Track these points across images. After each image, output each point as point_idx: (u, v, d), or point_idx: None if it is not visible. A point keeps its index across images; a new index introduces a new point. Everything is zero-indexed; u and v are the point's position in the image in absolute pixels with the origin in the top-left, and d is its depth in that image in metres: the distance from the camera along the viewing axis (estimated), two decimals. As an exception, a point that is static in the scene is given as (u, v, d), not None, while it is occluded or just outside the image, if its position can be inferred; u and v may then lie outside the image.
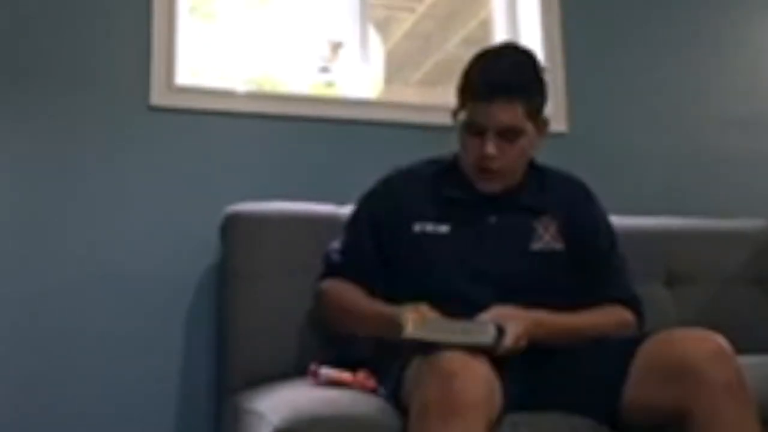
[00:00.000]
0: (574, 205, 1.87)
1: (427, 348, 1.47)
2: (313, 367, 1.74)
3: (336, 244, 1.93)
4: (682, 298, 2.37)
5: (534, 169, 1.88)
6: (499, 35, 2.82)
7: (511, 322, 1.58)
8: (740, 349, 1.51)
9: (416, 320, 1.52)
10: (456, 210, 1.81)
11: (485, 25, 2.93)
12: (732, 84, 2.92)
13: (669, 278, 2.40)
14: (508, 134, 1.73)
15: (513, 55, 1.79)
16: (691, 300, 2.36)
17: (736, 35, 2.96)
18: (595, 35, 2.77)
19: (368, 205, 1.92)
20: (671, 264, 2.41)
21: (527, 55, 1.79)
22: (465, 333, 1.48)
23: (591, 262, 1.84)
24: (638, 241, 2.30)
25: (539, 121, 1.79)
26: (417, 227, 1.81)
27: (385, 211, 1.86)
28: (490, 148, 1.73)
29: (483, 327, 1.50)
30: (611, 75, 2.77)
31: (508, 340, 1.55)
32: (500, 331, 1.49)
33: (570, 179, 1.92)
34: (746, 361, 1.50)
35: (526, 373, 1.65)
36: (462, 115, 1.78)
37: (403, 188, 1.88)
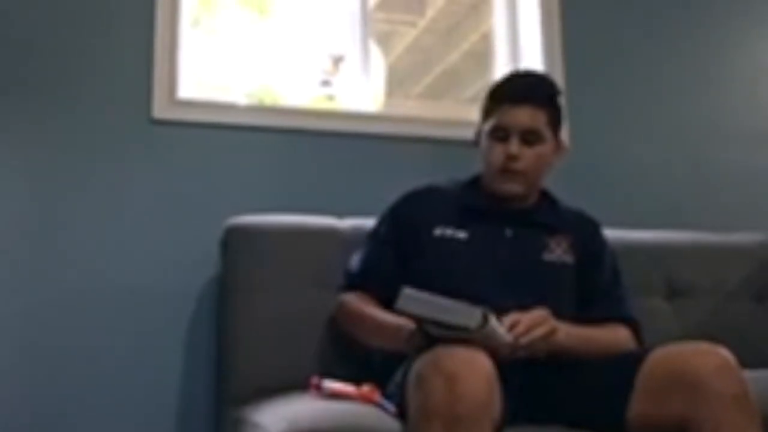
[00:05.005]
0: (584, 231, 1.96)
1: (430, 345, 1.48)
2: (315, 380, 1.73)
3: (356, 257, 1.96)
4: (682, 312, 2.36)
5: (547, 197, 1.98)
6: (500, 49, 2.83)
7: (543, 323, 1.63)
8: (741, 363, 1.51)
9: (408, 294, 1.53)
10: (474, 220, 1.88)
11: (486, 39, 2.93)
12: (732, 98, 2.92)
13: (669, 292, 2.39)
14: (530, 137, 1.86)
15: (538, 75, 2.03)
16: (691, 314, 2.36)
17: (735, 50, 2.97)
18: (596, 49, 2.77)
19: (390, 217, 1.97)
20: (671, 278, 2.41)
21: (550, 79, 1.98)
22: (451, 313, 1.49)
23: (596, 282, 1.91)
24: (638, 255, 2.31)
25: (557, 136, 1.92)
26: (437, 231, 1.87)
27: (407, 220, 1.92)
28: (514, 148, 1.85)
29: (470, 311, 1.49)
30: (611, 89, 2.78)
31: (522, 328, 1.59)
32: (485, 320, 1.49)
33: (581, 213, 2.02)
34: (747, 375, 1.50)
35: (527, 386, 1.65)
36: (487, 125, 1.90)
37: (426, 199, 1.96)
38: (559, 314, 1.71)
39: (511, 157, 1.85)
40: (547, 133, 1.88)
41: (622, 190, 2.68)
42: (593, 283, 1.90)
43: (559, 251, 1.89)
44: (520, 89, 1.89)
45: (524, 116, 1.85)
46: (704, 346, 1.54)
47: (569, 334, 1.70)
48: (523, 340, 1.59)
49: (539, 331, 1.61)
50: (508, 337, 1.57)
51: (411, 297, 1.52)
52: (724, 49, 2.95)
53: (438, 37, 3.25)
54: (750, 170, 2.86)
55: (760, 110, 2.95)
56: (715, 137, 2.86)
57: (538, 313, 1.64)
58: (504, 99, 1.88)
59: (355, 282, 1.93)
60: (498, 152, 1.87)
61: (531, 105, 1.86)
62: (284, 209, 2.20)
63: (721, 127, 2.87)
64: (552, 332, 1.63)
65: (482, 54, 2.93)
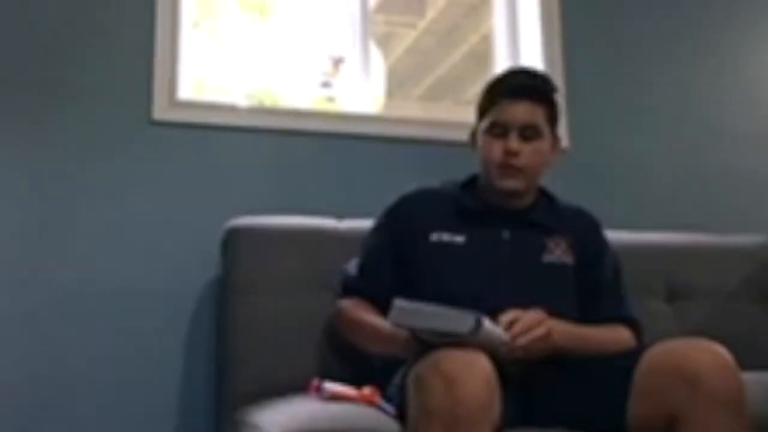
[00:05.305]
0: (583, 231, 1.94)
1: (429, 348, 1.48)
2: (315, 381, 1.72)
3: (353, 263, 1.95)
4: (682, 314, 2.36)
5: (545, 195, 1.96)
6: (501, 50, 2.83)
7: (536, 324, 1.62)
8: (741, 365, 1.50)
9: (400, 307, 1.53)
10: (472, 223, 1.86)
11: (486, 41, 2.94)
12: (733, 100, 2.92)
13: (669, 294, 2.39)
14: (529, 132, 1.84)
15: (534, 71, 1.97)
16: (691, 316, 2.35)
17: (736, 52, 2.97)
18: (596, 50, 2.78)
19: (386, 221, 1.95)
20: (672, 280, 2.40)
21: (546, 76, 1.96)
22: (444, 320, 1.49)
23: (597, 282, 1.90)
24: (639, 256, 2.30)
25: (554, 133, 1.90)
26: (434, 237, 1.85)
27: (403, 224, 1.90)
28: (514, 144, 1.82)
29: (462, 316, 1.49)
30: (612, 90, 2.78)
31: (519, 328, 1.59)
32: (478, 324, 1.48)
33: (581, 210, 1.99)
34: (747, 376, 1.50)
35: (525, 388, 1.65)
36: (484, 123, 1.87)
37: (422, 202, 1.93)
38: (559, 316, 1.71)
39: (511, 153, 1.82)
40: (545, 129, 1.86)
41: (622, 191, 2.68)
42: (593, 284, 1.89)
43: (558, 252, 1.87)
44: (517, 85, 1.86)
45: (522, 111, 1.83)
46: (705, 343, 1.53)
47: (567, 333, 1.70)
48: (521, 341, 1.59)
49: (537, 332, 1.61)
50: (504, 336, 1.57)
51: (403, 309, 1.52)
52: (726, 50, 2.95)
53: (438, 39, 3.25)
54: (750, 171, 2.85)
55: (760, 111, 2.94)
56: (716, 138, 2.86)
57: (535, 314, 1.64)
58: (501, 95, 1.86)
59: (352, 288, 1.92)
60: (497, 148, 1.84)
61: (529, 100, 1.84)
62: (284, 210, 2.20)
63: (722, 127, 2.87)
64: (548, 334, 1.63)
65: (482, 55, 2.94)
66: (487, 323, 1.51)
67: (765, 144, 2.91)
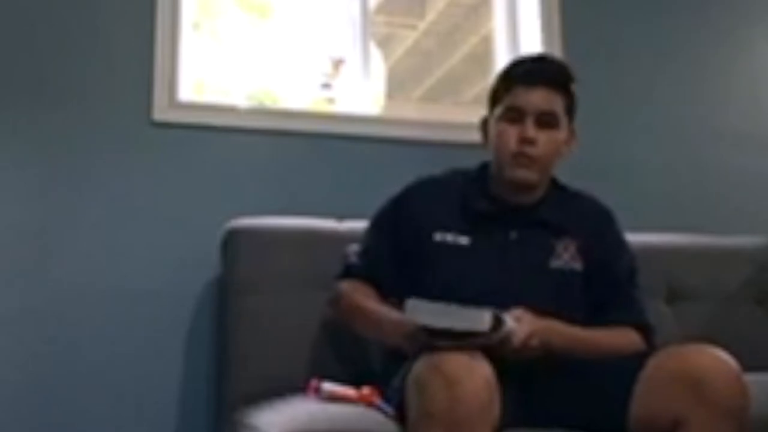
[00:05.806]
0: (596, 227, 1.88)
1: (430, 350, 1.46)
2: (314, 382, 1.72)
3: (355, 247, 1.92)
4: (682, 315, 2.35)
5: (557, 188, 1.90)
6: (500, 51, 2.83)
7: (524, 323, 1.59)
8: (741, 366, 1.50)
9: (414, 306, 1.51)
10: (478, 223, 1.82)
11: (486, 42, 2.94)
12: (734, 101, 2.92)
13: (670, 295, 2.39)
14: (546, 118, 1.78)
15: (553, 59, 1.94)
16: (691, 317, 2.35)
17: (738, 52, 2.97)
18: (596, 52, 2.77)
19: (391, 210, 1.91)
20: (672, 281, 2.40)
21: (565, 64, 1.90)
22: (462, 319, 1.47)
23: (608, 285, 1.84)
24: (639, 257, 2.27)
25: (571, 124, 1.84)
26: (438, 237, 1.81)
27: (406, 217, 1.86)
28: (530, 131, 1.76)
29: (479, 314, 1.47)
30: (612, 91, 2.78)
31: (518, 336, 1.56)
32: (497, 321, 1.47)
33: (594, 202, 1.93)
34: (747, 378, 1.49)
35: (526, 387, 1.65)
36: (498, 110, 1.82)
37: (427, 196, 1.88)
38: (563, 321, 1.70)
39: (526, 141, 1.75)
40: (563, 118, 1.80)
41: (623, 191, 2.65)
42: (603, 287, 1.83)
43: (566, 256, 1.81)
44: (535, 71, 1.81)
45: (539, 97, 1.77)
46: (710, 349, 1.51)
47: (560, 335, 1.67)
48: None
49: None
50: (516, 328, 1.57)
51: (417, 307, 1.50)
52: (727, 51, 2.95)
53: (438, 40, 3.25)
54: (752, 173, 2.85)
55: (760, 111, 2.94)
56: (718, 140, 2.85)
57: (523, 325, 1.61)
58: (518, 81, 1.80)
59: (353, 271, 1.89)
60: (512, 135, 1.77)
61: (546, 87, 1.78)
62: (284, 212, 2.20)
63: (724, 129, 2.87)
64: (526, 340, 1.59)
65: (482, 56, 2.94)
66: (507, 320, 1.51)
67: (765, 144, 2.91)
